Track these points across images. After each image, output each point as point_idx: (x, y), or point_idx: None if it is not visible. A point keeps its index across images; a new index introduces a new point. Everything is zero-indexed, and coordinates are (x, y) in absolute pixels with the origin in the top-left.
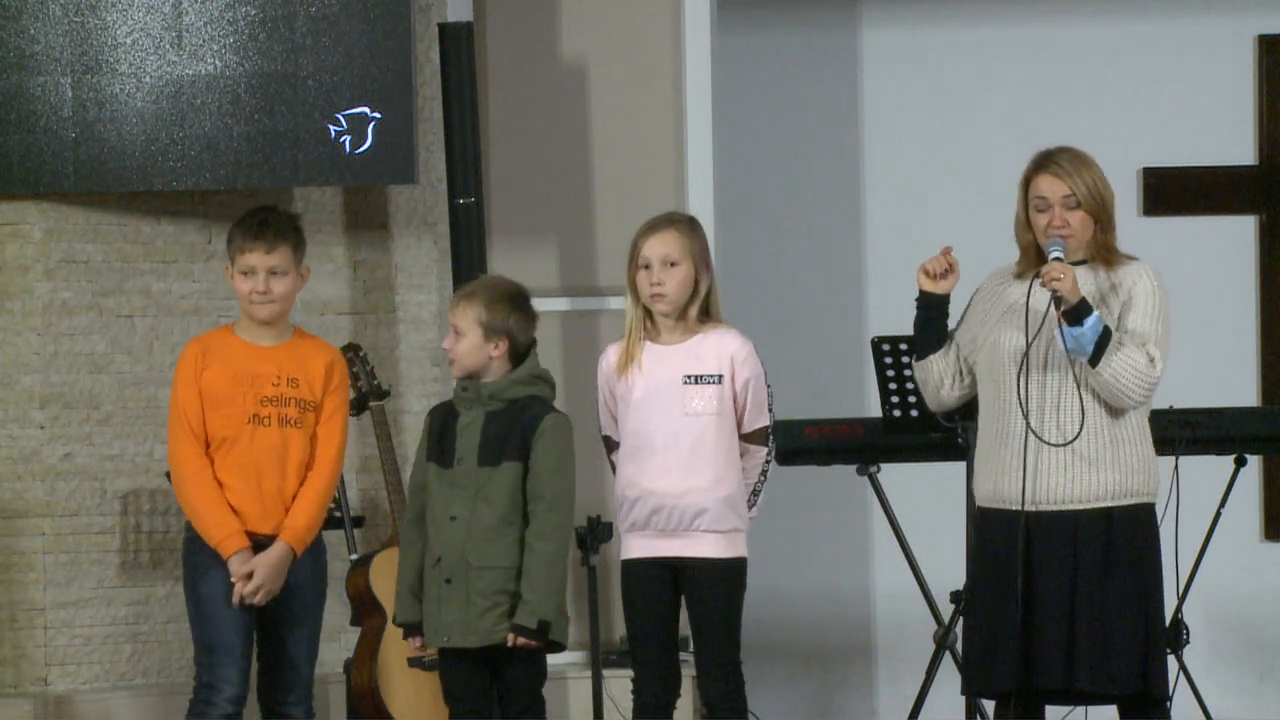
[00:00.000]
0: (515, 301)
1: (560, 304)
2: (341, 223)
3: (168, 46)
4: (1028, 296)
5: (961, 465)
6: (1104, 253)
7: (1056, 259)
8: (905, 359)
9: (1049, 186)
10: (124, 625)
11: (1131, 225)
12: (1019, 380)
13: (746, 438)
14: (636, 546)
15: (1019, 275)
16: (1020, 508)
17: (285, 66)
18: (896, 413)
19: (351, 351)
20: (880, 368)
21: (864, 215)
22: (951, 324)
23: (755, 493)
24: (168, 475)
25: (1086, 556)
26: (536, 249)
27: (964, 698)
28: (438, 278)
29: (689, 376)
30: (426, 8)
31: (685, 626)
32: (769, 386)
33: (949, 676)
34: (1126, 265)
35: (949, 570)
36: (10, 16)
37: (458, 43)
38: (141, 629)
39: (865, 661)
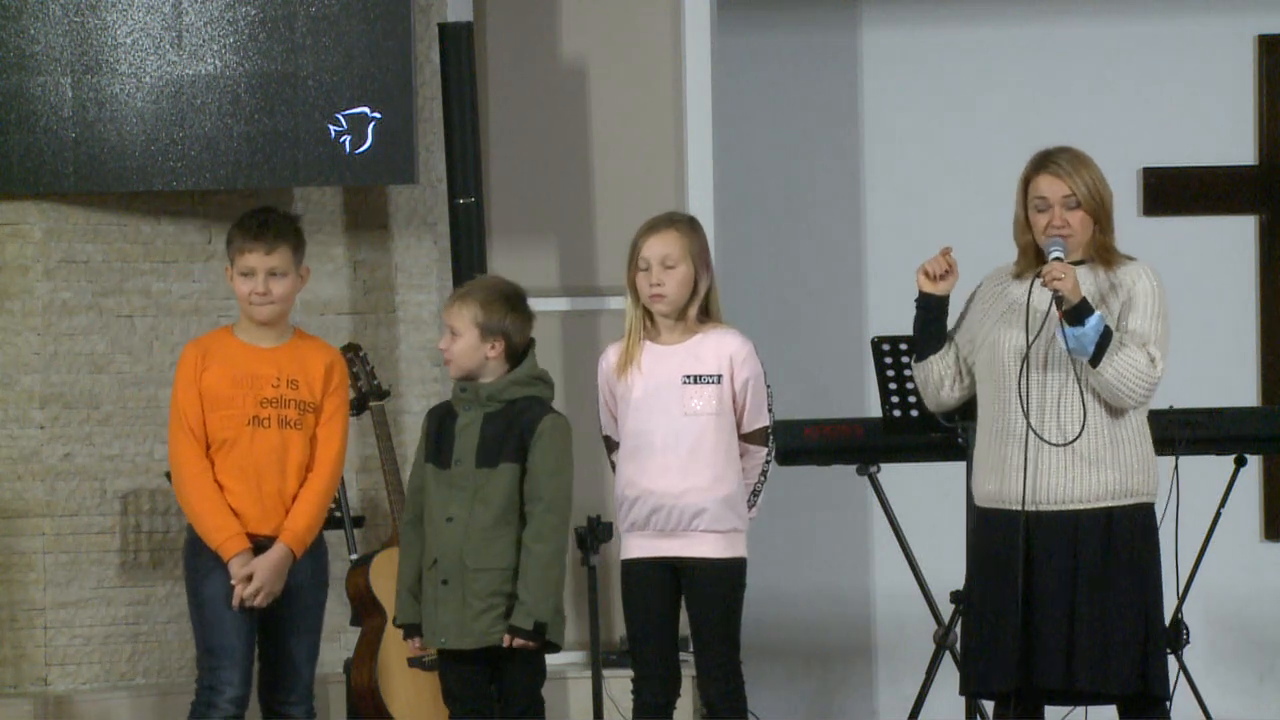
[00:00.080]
0: (511, 302)
1: (560, 304)
2: (341, 223)
3: (168, 46)
4: (1028, 296)
5: (961, 465)
6: (1103, 253)
7: (1057, 259)
8: (905, 359)
9: (1049, 186)
10: (124, 625)
11: (1131, 225)
12: (1020, 380)
13: (746, 438)
14: (636, 546)
15: (1018, 275)
16: (1021, 508)
17: (285, 66)
18: (896, 413)
19: (351, 351)
20: (880, 368)
21: (864, 215)
22: (949, 324)
23: (755, 493)
24: (168, 475)
25: (1086, 556)
26: (536, 249)
27: (964, 698)
28: (438, 278)
29: (688, 376)
30: (426, 8)
31: (685, 626)
32: (769, 387)
33: (949, 676)
34: (1126, 265)
35: (949, 570)
36: (10, 16)
37: (458, 43)
38: (141, 629)
39: (865, 661)
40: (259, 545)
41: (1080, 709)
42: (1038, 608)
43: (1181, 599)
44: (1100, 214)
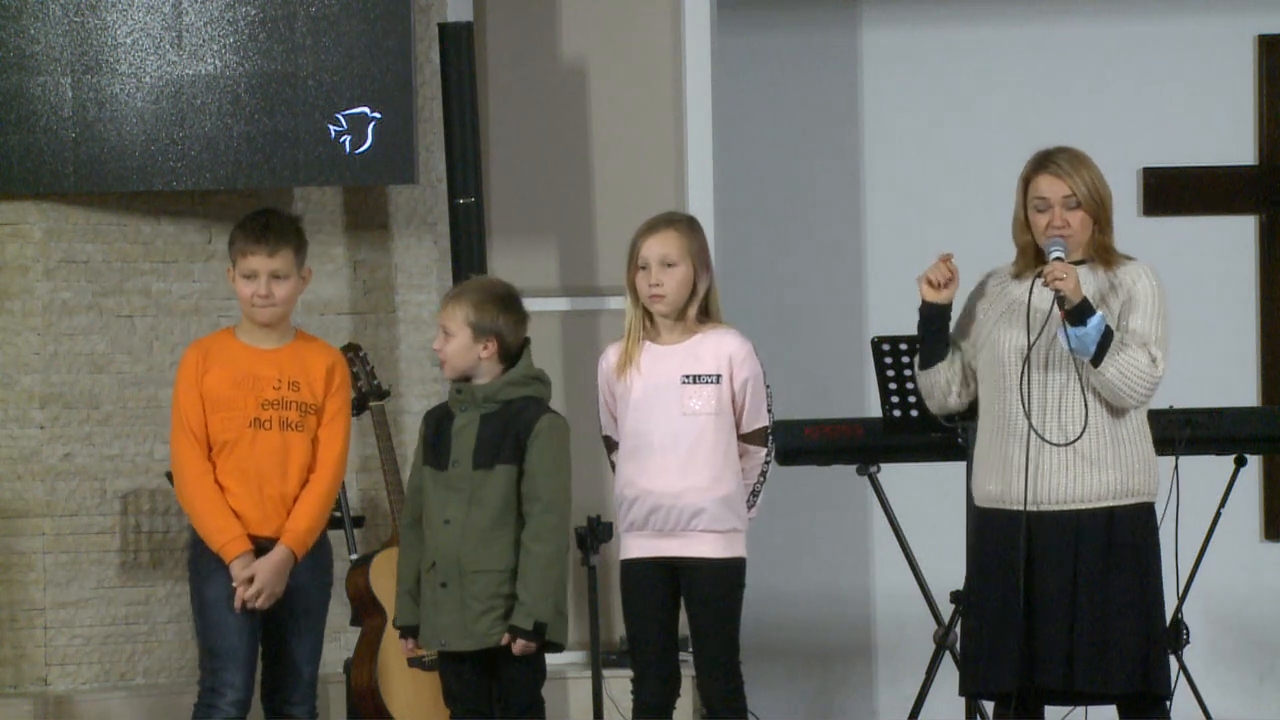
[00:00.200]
0: (504, 302)
1: (560, 304)
2: (341, 223)
3: (168, 46)
4: (1029, 296)
5: (961, 465)
6: (1102, 253)
7: (1058, 259)
8: (905, 359)
9: (1049, 186)
10: (124, 625)
11: (1131, 225)
12: (1021, 380)
13: (745, 438)
14: (635, 546)
15: (1017, 275)
16: (1022, 508)
17: (285, 66)
18: (896, 413)
19: (351, 351)
20: (880, 368)
21: (864, 215)
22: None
23: (755, 493)
24: (168, 476)
25: (1087, 556)
26: (536, 249)
27: (964, 698)
28: (438, 278)
29: (687, 376)
30: (426, 8)
31: (685, 626)
32: (768, 387)
33: (949, 676)
34: (1126, 265)
35: (949, 570)
36: (10, 16)
37: (458, 43)
38: (141, 629)
39: (865, 661)
40: (260, 547)
41: (1080, 709)
42: (1039, 608)
43: (1181, 599)
44: (1100, 214)
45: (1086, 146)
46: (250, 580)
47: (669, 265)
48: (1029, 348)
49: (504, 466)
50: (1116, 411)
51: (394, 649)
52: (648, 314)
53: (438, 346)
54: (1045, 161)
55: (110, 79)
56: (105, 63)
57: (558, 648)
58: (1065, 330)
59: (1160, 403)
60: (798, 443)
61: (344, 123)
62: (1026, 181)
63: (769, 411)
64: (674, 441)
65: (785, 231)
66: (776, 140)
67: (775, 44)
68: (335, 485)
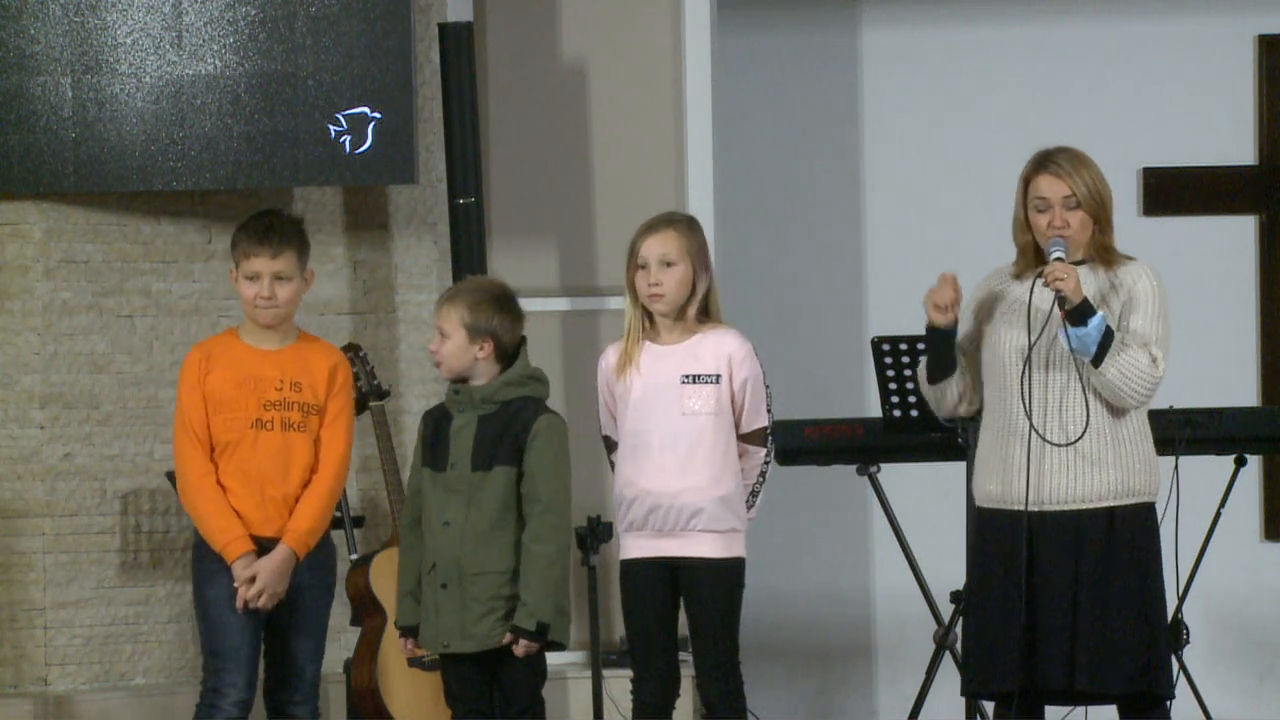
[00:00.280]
0: (499, 302)
1: (560, 304)
2: (341, 223)
3: (168, 46)
4: (1030, 296)
5: (961, 465)
6: (1103, 253)
7: (1058, 259)
8: (905, 359)
9: (1049, 187)
10: (124, 625)
11: (1131, 225)
12: (1022, 380)
13: (745, 438)
14: (635, 546)
15: (1017, 275)
16: (1024, 508)
17: (285, 66)
18: (896, 413)
19: (351, 351)
20: (880, 368)
21: (864, 215)
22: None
23: (754, 493)
24: (168, 475)
25: (1088, 556)
26: (536, 249)
27: (964, 698)
28: (438, 278)
29: (687, 376)
30: (426, 8)
31: (685, 626)
32: (768, 387)
33: (949, 676)
34: (1126, 265)
35: (949, 570)
36: (10, 16)
37: (458, 43)
38: (141, 629)
39: (865, 661)
40: (263, 547)
41: (1080, 709)
42: (1040, 608)
43: (1181, 599)
44: (1100, 214)
45: (1086, 146)
46: (252, 580)
47: (668, 265)
48: (1030, 348)
49: (502, 468)
50: (1117, 412)
51: (394, 649)
52: (647, 314)
53: (434, 348)
54: (1045, 161)
55: (110, 79)
56: (105, 63)
57: (560, 647)
58: (1066, 330)
59: (1160, 403)
60: (798, 443)
61: (344, 123)
62: (1027, 181)
63: (768, 412)
64: (673, 441)
65: (785, 231)
66: (776, 140)
67: (775, 44)
68: (338, 486)
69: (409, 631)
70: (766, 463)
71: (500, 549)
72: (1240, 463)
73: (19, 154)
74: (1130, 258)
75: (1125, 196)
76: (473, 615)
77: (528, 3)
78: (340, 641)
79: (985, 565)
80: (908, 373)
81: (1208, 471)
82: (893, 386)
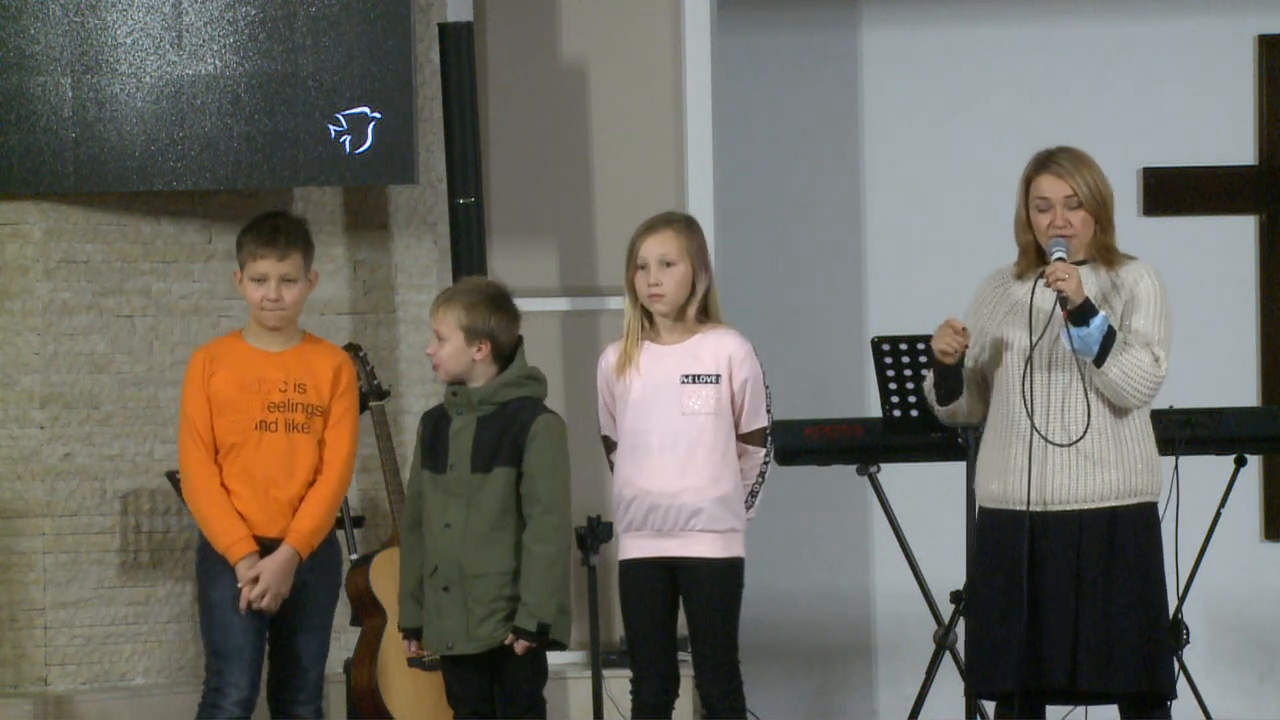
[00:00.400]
0: (495, 303)
1: (560, 304)
2: (341, 223)
3: (168, 46)
4: (1031, 296)
5: (961, 465)
6: (1104, 252)
7: (1060, 259)
8: (905, 359)
9: (1051, 187)
10: (124, 625)
11: (1131, 225)
12: (1024, 380)
13: (744, 438)
14: (634, 546)
15: (1019, 275)
16: (1025, 508)
17: (285, 66)
18: (896, 413)
19: (351, 351)
20: (880, 368)
21: (864, 215)
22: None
23: (753, 494)
24: (168, 476)
25: (1090, 556)
26: (536, 249)
27: (964, 698)
28: (438, 278)
29: (687, 376)
30: (426, 8)
31: (684, 626)
32: (768, 388)
33: (949, 676)
34: (1127, 265)
35: (949, 570)
36: (10, 16)
37: (458, 43)
38: (141, 629)
39: (865, 661)
40: (267, 548)
41: (1080, 709)
42: (1042, 607)
43: (1181, 599)
44: (1101, 214)
45: (1087, 146)
46: (255, 580)
47: (668, 265)
48: (1031, 348)
49: (502, 469)
50: (1119, 411)
51: (394, 649)
52: (647, 314)
53: (431, 351)
54: (1047, 161)
55: (110, 79)
56: (105, 63)
57: (561, 646)
58: (1068, 331)
59: (1160, 403)
60: (798, 443)
61: (344, 123)
62: (1028, 181)
63: (768, 412)
64: (673, 441)
65: (785, 231)
66: (776, 140)
67: (775, 44)
68: (342, 486)
69: (412, 634)
70: (766, 463)
71: (501, 550)
72: (1240, 463)
73: (19, 154)
74: (1132, 257)
75: (1125, 196)
76: (475, 617)
77: (528, 3)
78: (340, 641)
79: (987, 565)
80: (908, 373)
81: (1208, 471)
82: (893, 386)
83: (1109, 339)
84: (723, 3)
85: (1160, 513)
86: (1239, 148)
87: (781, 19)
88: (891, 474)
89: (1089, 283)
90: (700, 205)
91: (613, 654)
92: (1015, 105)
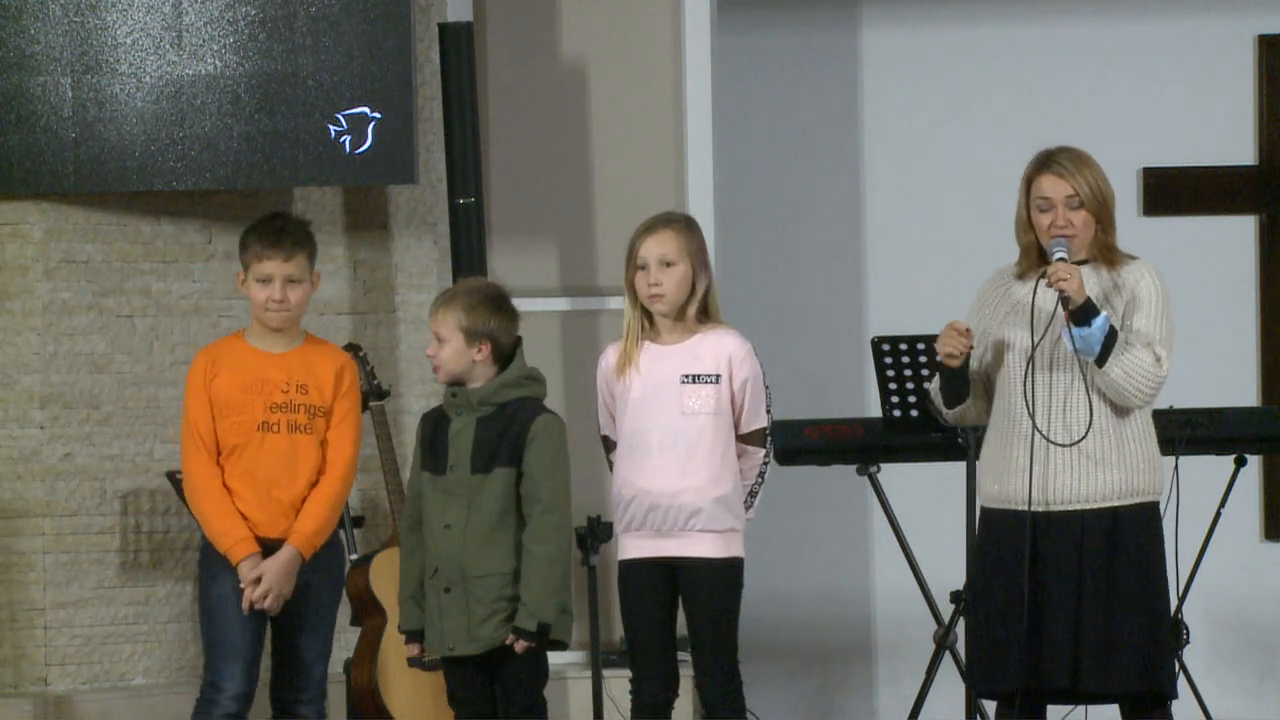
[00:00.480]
0: (495, 303)
1: (560, 304)
2: (341, 223)
3: (168, 46)
4: (1033, 296)
5: (961, 465)
6: (1105, 252)
7: (1061, 259)
8: (905, 359)
9: (1052, 186)
10: (124, 625)
11: (1131, 225)
12: (1025, 380)
13: (744, 438)
14: (633, 546)
15: (1020, 276)
16: (1027, 508)
17: (285, 66)
18: (896, 413)
19: (352, 351)
20: (880, 368)
21: (864, 215)
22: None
23: (753, 494)
24: (168, 476)
25: (1092, 556)
26: (536, 249)
27: (964, 698)
28: (438, 278)
29: (686, 376)
30: (426, 8)
31: (684, 626)
32: (767, 388)
33: (949, 676)
34: (1128, 264)
35: (949, 570)
36: (10, 16)
37: (458, 43)
38: (141, 629)
39: (865, 661)
40: (269, 549)
41: (1080, 709)
42: (1044, 607)
43: (1181, 599)
44: (1102, 213)
45: (1087, 146)
46: (258, 581)
47: (667, 265)
48: (1033, 348)
49: (502, 469)
50: (1121, 411)
51: (394, 649)
52: (647, 314)
53: (431, 353)
54: (1048, 161)
55: (110, 79)
56: (105, 63)
57: (562, 646)
58: (1069, 331)
59: (1161, 403)
60: (798, 443)
61: (344, 123)
62: (1029, 181)
63: (768, 412)
64: (672, 441)
65: (785, 231)
66: (776, 140)
67: (775, 44)
68: (345, 487)
69: (413, 636)
70: (765, 463)
71: (502, 551)
72: (1240, 463)
73: (19, 154)
74: (1133, 257)
75: (1125, 196)
76: (477, 618)
77: (528, 3)
78: (340, 641)
79: (989, 565)
80: (908, 373)
81: (1208, 471)
82: (893, 386)
83: (1111, 339)
84: (723, 3)
85: (1160, 512)
86: (1239, 148)
87: (781, 19)
88: (891, 474)
89: (1090, 283)
90: (700, 205)
91: (613, 654)
92: (1015, 105)
